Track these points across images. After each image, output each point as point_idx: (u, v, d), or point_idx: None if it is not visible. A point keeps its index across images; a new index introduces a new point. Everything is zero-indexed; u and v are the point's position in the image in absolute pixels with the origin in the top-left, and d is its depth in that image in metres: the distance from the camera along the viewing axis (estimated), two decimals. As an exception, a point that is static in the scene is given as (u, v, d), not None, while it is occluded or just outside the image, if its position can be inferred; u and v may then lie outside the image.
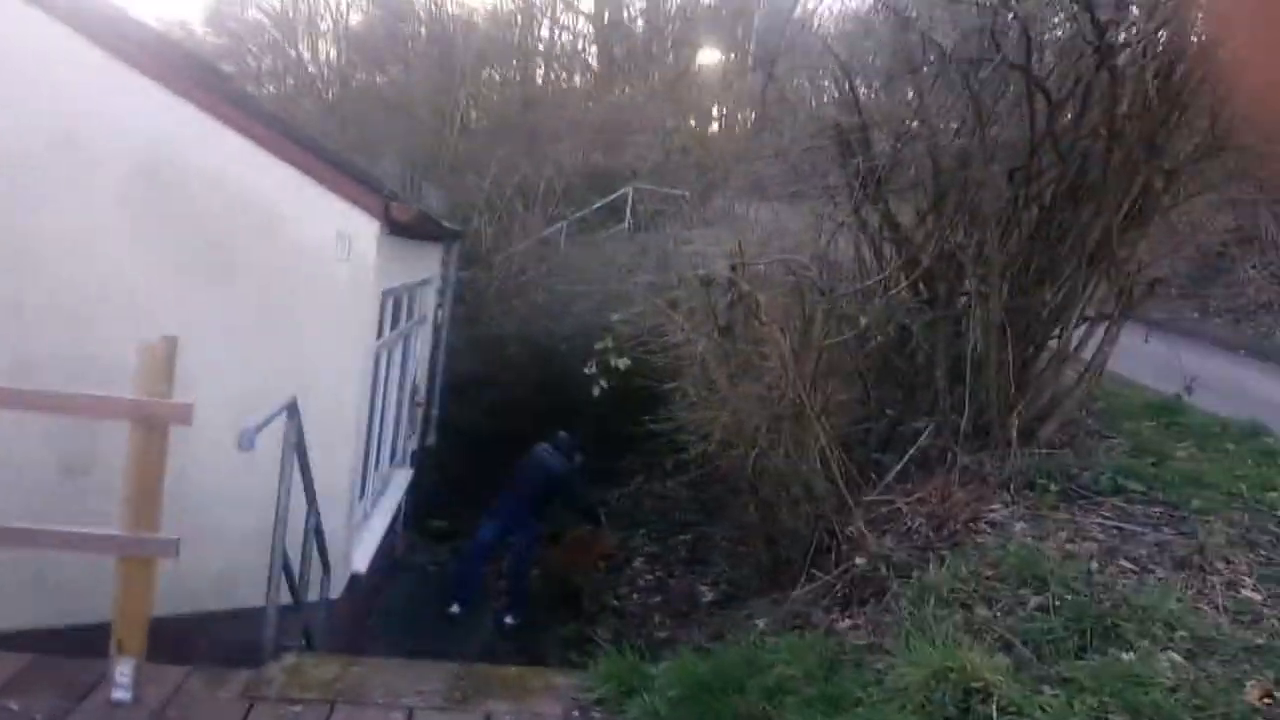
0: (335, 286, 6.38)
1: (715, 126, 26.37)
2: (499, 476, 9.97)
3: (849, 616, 4.45)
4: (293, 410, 4.39)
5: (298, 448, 4.51)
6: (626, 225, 15.89)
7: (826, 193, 6.34)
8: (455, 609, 9.39)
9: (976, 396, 5.38)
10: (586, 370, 7.47)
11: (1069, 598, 3.81)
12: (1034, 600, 3.86)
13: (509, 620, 9.47)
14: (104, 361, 5.89)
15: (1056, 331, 6.09)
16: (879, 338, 5.68)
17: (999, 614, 3.82)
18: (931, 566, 4.20)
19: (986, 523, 4.69)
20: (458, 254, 11.71)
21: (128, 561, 3.80)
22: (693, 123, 24.34)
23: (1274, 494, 5.39)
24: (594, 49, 25.94)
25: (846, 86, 5.67)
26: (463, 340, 12.47)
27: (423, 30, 24.09)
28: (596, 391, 7.51)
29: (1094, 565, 4.12)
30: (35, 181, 5.96)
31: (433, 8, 24.46)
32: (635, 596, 8.78)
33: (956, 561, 4.18)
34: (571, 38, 26.31)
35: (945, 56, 4.85)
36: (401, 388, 9.74)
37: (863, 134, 5.86)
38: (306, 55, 26.76)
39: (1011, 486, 5.02)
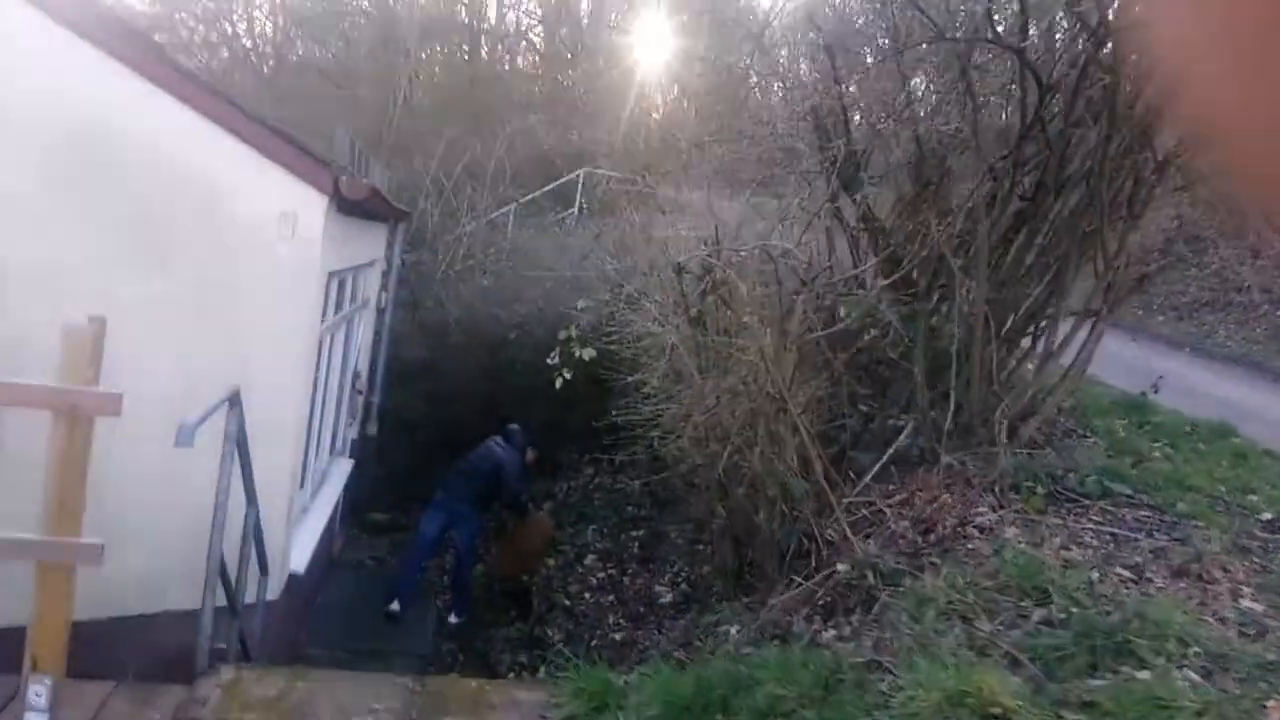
0: (278, 267, 5.93)
1: (658, 114, 26.14)
2: (442, 468, 9.58)
3: (833, 627, 4.20)
4: (234, 401, 4.00)
5: (238, 442, 4.12)
6: (577, 210, 15.53)
7: (803, 178, 6.08)
8: (395, 606, 8.97)
9: (957, 393, 5.17)
10: (549, 360, 7.08)
11: (1074, 610, 3.61)
12: (1037, 613, 3.66)
13: (453, 619, 9.10)
14: (23, 345, 5.41)
15: (1034, 327, 5.93)
16: (871, 332, 5.42)
17: (1002, 628, 3.61)
18: (927, 575, 3.96)
19: (975, 527, 4.48)
20: (403, 235, 11.24)
21: (46, 569, 3.37)
22: (636, 109, 24.04)
23: (1254, 497, 5.30)
24: (540, 29, 25.44)
25: (829, 65, 5.40)
26: (406, 325, 12.00)
27: (365, 3, 23.32)
28: (559, 383, 7.12)
29: (1094, 575, 3.93)
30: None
31: (376, -19, 23.66)
32: (587, 595, 8.47)
33: (952, 570, 3.95)
34: (518, 16, 25.75)
35: (940, 35, 4.60)
36: (343, 374, 9.27)
37: (842, 116, 5.60)
38: (242, 28, 25.82)
39: (997, 488, 4.82)
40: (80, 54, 5.50)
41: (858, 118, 5.80)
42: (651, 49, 24.89)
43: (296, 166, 5.89)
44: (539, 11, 25.38)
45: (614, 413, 6.51)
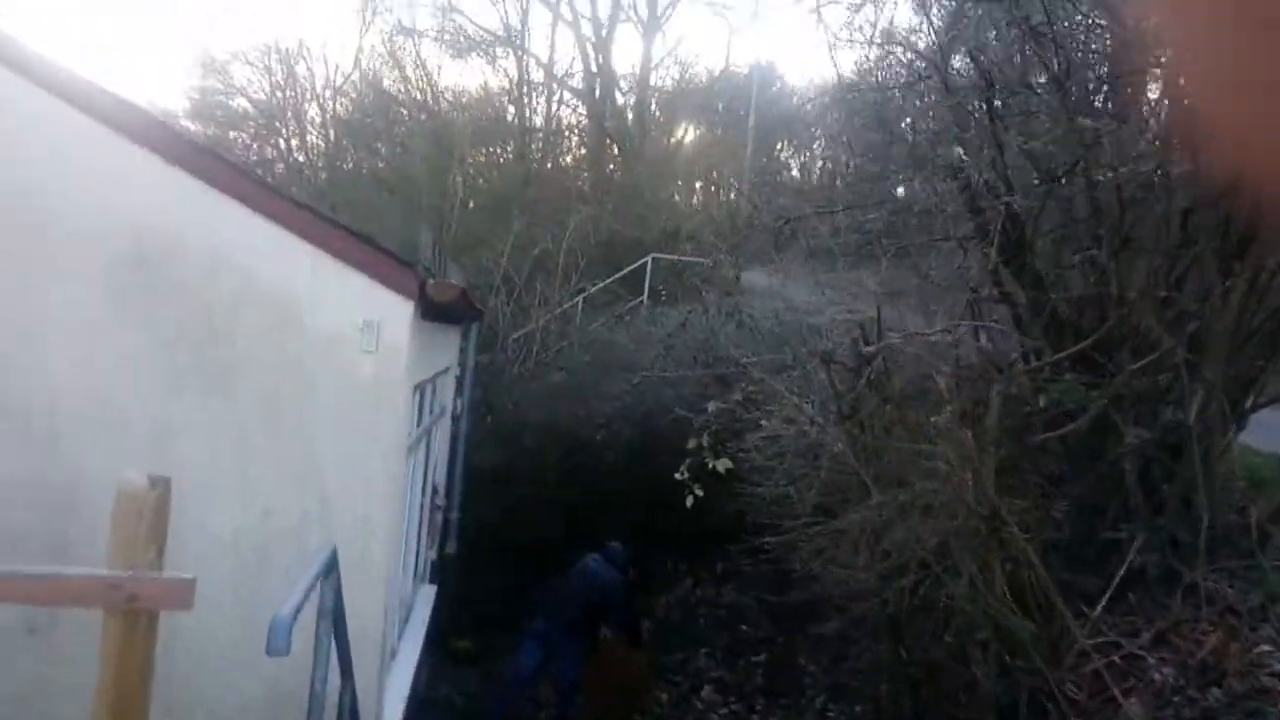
0: (359, 383, 5.19)
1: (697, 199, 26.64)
2: (530, 587, 8.68)
3: (1110, 823, 3.19)
4: (331, 566, 3.17)
5: (335, 614, 3.28)
6: (646, 296, 14.91)
7: (959, 247, 5.24)
8: (489, 748, 8.00)
9: (1188, 492, 4.19)
10: (678, 475, 6.18)
11: None
12: None
13: (555, 764, 8.06)
14: (77, 497, 4.72)
15: (1248, 404, 4.94)
16: (1097, 430, 4.46)
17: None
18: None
19: (1271, 675, 3.46)
20: (476, 336, 10.56)
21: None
22: (676, 197, 24.26)
23: None
24: (585, 123, 25.54)
25: (982, 108, 4.60)
26: (482, 431, 11.25)
27: (420, 115, 23.54)
28: (690, 501, 6.19)
29: None
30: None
31: (427, 94, 24.01)
32: (711, 737, 7.40)
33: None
34: (559, 113, 26.00)
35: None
36: (423, 492, 8.48)
37: (1002, 172, 4.77)
38: (295, 143, 26.29)
39: (1271, 615, 3.81)
40: (133, 160, 4.92)
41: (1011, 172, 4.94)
42: (696, 134, 25.09)
43: (378, 270, 5.19)
44: (584, 107, 25.50)
45: (766, 539, 5.54)
